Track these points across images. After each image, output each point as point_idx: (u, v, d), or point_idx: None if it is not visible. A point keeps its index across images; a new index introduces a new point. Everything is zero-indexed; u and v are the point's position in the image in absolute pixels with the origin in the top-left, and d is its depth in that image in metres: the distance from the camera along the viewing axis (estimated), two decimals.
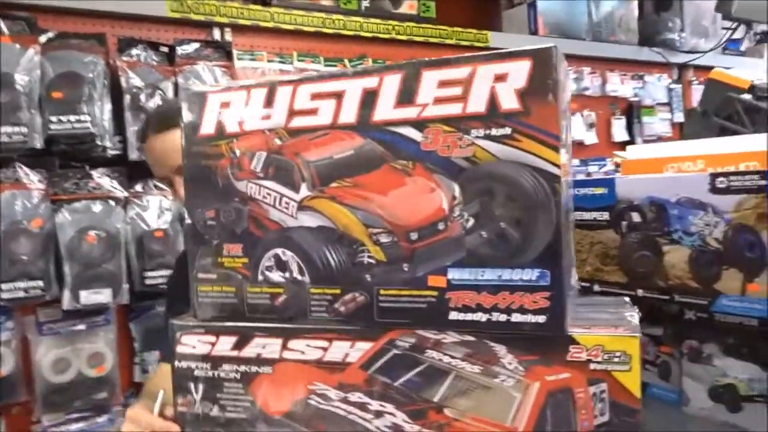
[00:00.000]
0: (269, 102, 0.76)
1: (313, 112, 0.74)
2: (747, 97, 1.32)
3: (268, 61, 2.20)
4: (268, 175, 0.76)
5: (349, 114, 0.72)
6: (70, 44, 1.84)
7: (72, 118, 1.78)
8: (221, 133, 0.78)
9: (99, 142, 1.83)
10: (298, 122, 0.74)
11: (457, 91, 0.67)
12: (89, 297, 1.80)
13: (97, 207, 1.86)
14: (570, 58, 2.72)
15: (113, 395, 1.88)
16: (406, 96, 0.69)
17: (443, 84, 0.68)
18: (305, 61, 2.29)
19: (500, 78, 0.66)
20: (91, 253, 1.81)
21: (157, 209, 1.95)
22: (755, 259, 0.83)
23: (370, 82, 0.71)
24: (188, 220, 0.81)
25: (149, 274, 1.92)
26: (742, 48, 3.75)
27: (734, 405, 0.89)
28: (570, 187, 0.83)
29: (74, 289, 1.80)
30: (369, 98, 0.71)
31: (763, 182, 0.82)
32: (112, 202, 1.89)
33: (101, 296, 1.82)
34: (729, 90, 1.33)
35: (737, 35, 3.39)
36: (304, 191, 0.74)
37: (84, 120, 1.79)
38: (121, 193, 1.91)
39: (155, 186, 1.96)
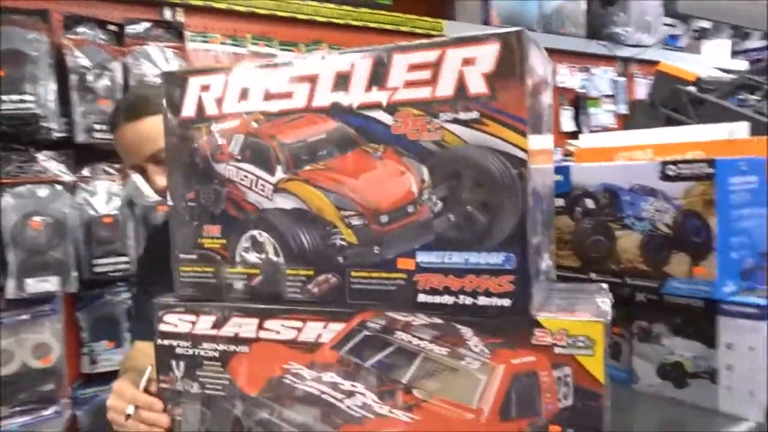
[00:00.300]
0: (246, 85, 0.76)
1: (288, 95, 0.74)
2: (693, 89, 1.40)
3: (222, 43, 2.15)
4: (246, 157, 0.77)
5: (323, 97, 0.72)
6: (11, 20, 1.73)
7: (15, 98, 1.69)
8: (201, 116, 0.79)
9: (44, 124, 1.73)
10: (274, 105, 0.75)
11: (426, 74, 0.67)
12: (36, 285, 1.73)
13: (42, 191, 1.77)
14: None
15: (60, 387, 1.80)
16: (378, 80, 0.70)
17: (413, 68, 0.68)
18: (259, 44, 2.24)
19: (468, 62, 0.66)
20: (37, 239, 1.74)
21: (105, 194, 1.88)
22: (702, 243, 0.89)
23: (343, 65, 0.71)
24: (170, 202, 0.82)
25: (98, 261, 1.85)
26: (681, 44, 3.91)
27: (681, 381, 0.94)
28: (550, 173, 0.83)
29: (19, 277, 1.72)
30: (341, 82, 0.71)
31: (710, 170, 0.88)
32: (58, 187, 1.80)
33: (48, 284, 1.75)
34: (676, 82, 1.42)
35: (677, 32, 3.62)
36: (280, 174, 0.75)
37: (28, 100, 1.70)
38: (68, 177, 1.83)
39: (104, 171, 1.89)
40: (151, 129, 1.12)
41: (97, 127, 1.82)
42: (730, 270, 0.91)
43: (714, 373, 0.90)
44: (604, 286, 0.82)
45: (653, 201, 0.90)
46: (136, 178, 1.33)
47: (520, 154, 0.64)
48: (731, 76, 1.66)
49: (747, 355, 0.87)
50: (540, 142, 0.72)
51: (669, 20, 3.55)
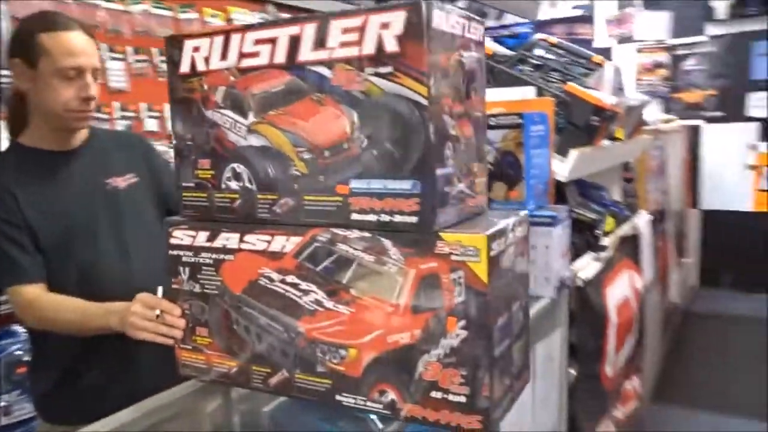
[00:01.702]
0: (226, 46, 0.95)
1: (256, 54, 0.93)
2: (489, 61, 1.80)
3: None
4: (227, 105, 0.97)
5: (281, 55, 0.90)
6: None
7: None
8: (194, 72, 0.99)
9: None
10: (246, 62, 0.94)
11: (355, 36, 0.84)
12: None
13: None
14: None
15: None
16: (320, 41, 0.87)
17: (346, 31, 0.85)
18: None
19: (385, 26, 0.82)
20: None
21: None
22: (514, 174, 1.25)
23: (294, 30, 0.89)
24: (174, 141, 1.04)
25: None
26: None
27: None
28: (483, 120, 0.98)
29: None
30: (294, 43, 0.89)
31: (520, 121, 1.25)
32: None
33: None
34: None
35: None
36: (251, 118, 0.95)
37: None
38: None
39: None
40: (92, 44, 1.30)
41: None
42: (532, 193, 1.26)
43: None
44: (524, 212, 0.98)
45: None
46: None
47: (422, 101, 0.80)
48: (513, 53, 2.13)
49: (544, 252, 1.29)
50: (452, 90, 0.87)
51: None
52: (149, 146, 1.58)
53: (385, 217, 0.86)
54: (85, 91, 1.30)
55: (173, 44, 1.01)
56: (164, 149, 2.47)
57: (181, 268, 1.06)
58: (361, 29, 0.83)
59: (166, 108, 2.48)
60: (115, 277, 1.36)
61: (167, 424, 1.17)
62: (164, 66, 2.37)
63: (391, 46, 0.81)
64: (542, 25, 5.34)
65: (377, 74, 0.83)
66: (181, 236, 1.05)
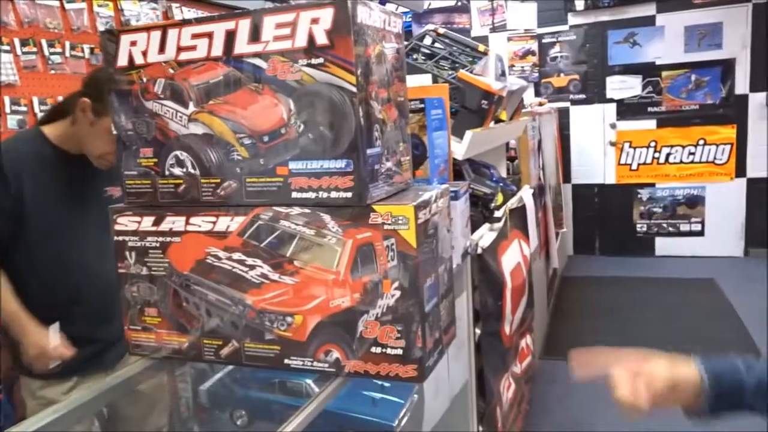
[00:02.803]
0: (163, 41, 1.01)
1: (193, 48, 0.99)
2: None
3: None
4: (167, 96, 1.03)
5: (218, 49, 0.97)
6: None
7: None
8: (132, 65, 1.04)
9: None
10: (184, 56, 1.00)
11: (287, 31, 0.92)
12: None
13: None
14: (212, 5, 3.18)
15: None
16: (255, 35, 0.94)
17: (279, 26, 0.93)
18: None
19: (315, 21, 0.90)
20: None
21: None
22: (420, 154, 1.38)
23: (230, 25, 0.96)
24: (115, 131, 1.08)
25: None
26: None
27: None
28: (405, 105, 1.09)
29: None
30: (230, 37, 0.96)
31: (422, 105, 1.41)
32: None
33: None
34: None
35: None
36: (192, 107, 1.01)
37: None
38: None
39: None
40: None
41: None
42: (435, 171, 1.42)
43: None
44: (444, 186, 1.10)
45: None
46: None
47: (351, 88, 0.90)
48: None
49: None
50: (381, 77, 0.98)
51: None
52: None
53: (323, 194, 0.95)
54: None
55: (109, 38, 1.05)
56: None
57: (128, 253, 1.12)
58: (293, 24, 0.92)
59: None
60: (93, 273, 1.48)
61: (117, 404, 1.23)
62: (54, 58, 2.33)
63: (322, 39, 0.90)
64: (422, 15, 5.61)
65: (309, 65, 0.92)
66: (125, 222, 1.11)
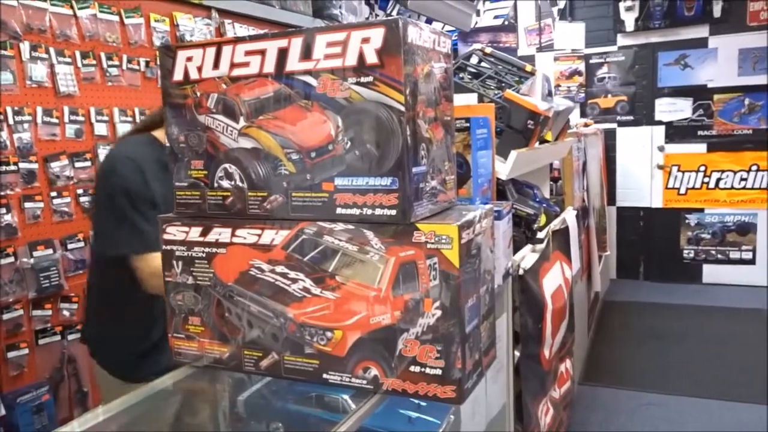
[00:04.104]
0: (217, 57, 1.04)
1: (246, 64, 1.02)
2: None
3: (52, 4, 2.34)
4: (218, 110, 1.06)
5: (270, 66, 1.00)
6: None
7: None
8: (187, 80, 1.07)
9: None
10: (237, 72, 1.03)
11: (338, 50, 0.94)
12: None
13: None
14: (264, 21, 3.37)
15: None
16: (306, 53, 0.96)
17: (330, 44, 0.95)
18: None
19: (366, 40, 0.92)
20: None
21: None
22: (463, 173, 1.36)
23: (282, 43, 0.98)
24: (167, 144, 1.12)
25: None
26: None
27: None
28: (451, 124, 1.09)
29: None
30: (282, 55, 0.98)
31: (467, 124, 1.37)
32: None
33: None
34: None
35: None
36: (242, 122, 1.04)
37: None
38: None
39: None
40: None
41: None
42: (478, 190, 1.39)
43: None
44: (488, 206, 1.09)
45: None
46: None
47: (399, 107, 0.91)
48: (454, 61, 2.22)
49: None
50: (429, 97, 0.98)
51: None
52: None
53: (367, 211, 0.96)
54: None
55: (167, 54, 1.09)
56: None
57: (175, 262, 1.14)
58: (344, 43, 0.93)
59: (115, 112, 2.55)
60: None
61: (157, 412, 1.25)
62: (111, 70, 2.42)
63: (372, 58, 0.92)
64: (469, 34, 5.61)
65: (359, 83, 0.93)
66: (174, 232, 1.14)
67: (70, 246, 2.32)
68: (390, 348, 0.98)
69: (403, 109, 0.91)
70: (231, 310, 1.10)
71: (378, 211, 0.95)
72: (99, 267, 1.71)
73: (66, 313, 2.30)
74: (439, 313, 0.95)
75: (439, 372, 0.96)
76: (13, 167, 2.14)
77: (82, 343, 1.85)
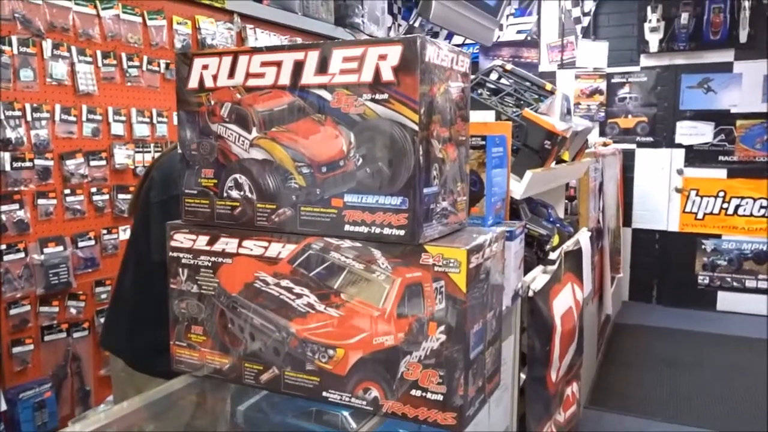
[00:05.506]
0: (233, 66, 1.03)
1: (262, 75, 1.01)
2: None
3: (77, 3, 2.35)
4: (232, 120, 1.05)
5: (285, 78, 0.99)
6: None
7: None
8: (202, 87, 1.07)
9: None
10: (252, 82, 1.02)
11: (354, 65, 0.93)
12: None
13: None
14: (285, 28, 3.43)
15: None
16: (322, 67, 0.95)
17: (346, 59, 0.93)
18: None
19: (383, 57, 0.90)
20: None
21: None
22: (476, 192, 1.34)
23: (299, 56, 0.97)
24: (179, 150, 1.11)
25: None
26: None
27: None
28: (466, 143, 1.07)
29: None
30: (298, 67, 0.97)
31: (482, 142, 1.35)
32: None
33: None
34: None
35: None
36: (254, 133, 1.03)
37: None
38: None
39: None
40: None
41: None
42: (491, 209, 1.37)
43: None
44: (500, 229, 1.07)
45: None
46: None
47: (413, 126, 0.89)
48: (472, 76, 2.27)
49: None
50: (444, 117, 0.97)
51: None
52: None
53: (376, 230, 0.94)
54: None
55: (183, 60, 1.08)
56: (129, 152, 2.53)
57: (180, 270, 1.14)
58: (361, 59, 0.92)
59: (133, 113, 2.56)
60: None
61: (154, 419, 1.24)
62: (131, 71, 2.44)
63: (388, 75, 0.90)
64: (490, 48, 5.59)
65: (373, 100, 0.92)
66: (181, 239, 1.13)
67: (80, 244, 2.33)
68: (392, 370, 0.96)
69: (416, 128, 0.89)
70: (234, 321, 1.09)
71: (386, 231, 0.94)
72: (139, 270, 1.60)
73: (73, 310, 2.31)
74: (443, 337, 0.93)
75: (440, 398, 0.94)
76: (28, 163, 2.15)
77: (103, 349, 1.80)
